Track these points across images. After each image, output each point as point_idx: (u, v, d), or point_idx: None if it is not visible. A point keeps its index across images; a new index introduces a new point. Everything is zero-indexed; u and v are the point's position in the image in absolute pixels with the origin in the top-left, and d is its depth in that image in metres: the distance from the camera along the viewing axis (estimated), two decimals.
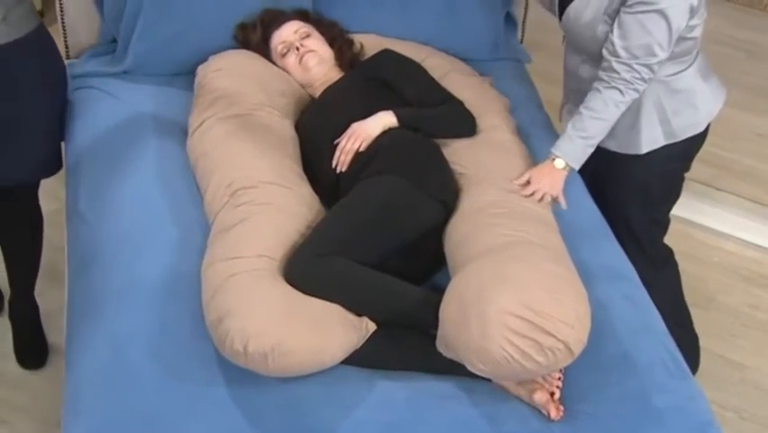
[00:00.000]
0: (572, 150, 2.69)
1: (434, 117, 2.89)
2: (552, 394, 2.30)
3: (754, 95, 4.52)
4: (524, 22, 3.72)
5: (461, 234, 2.55)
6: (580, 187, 2.91)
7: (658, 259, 3.06)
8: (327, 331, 2.29)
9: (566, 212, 2.75)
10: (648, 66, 2.62)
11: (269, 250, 2.45)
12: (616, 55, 2.62)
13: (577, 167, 2.72)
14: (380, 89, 2.95)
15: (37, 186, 3.07)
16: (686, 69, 2.78)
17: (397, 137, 2.78)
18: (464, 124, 2.91)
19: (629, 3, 2.59)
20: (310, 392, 2.27)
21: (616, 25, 2.63)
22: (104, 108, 3.05)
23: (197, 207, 2.71)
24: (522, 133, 2.99)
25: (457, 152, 2.84)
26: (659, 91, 2.76)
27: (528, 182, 2.68)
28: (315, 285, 2.37)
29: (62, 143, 3.05)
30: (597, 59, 2.74)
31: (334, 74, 3.07)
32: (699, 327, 3.25)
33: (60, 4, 3.27)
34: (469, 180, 2.73)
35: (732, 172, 4.17)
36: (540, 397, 2.29)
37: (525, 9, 3.70)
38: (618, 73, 2.63)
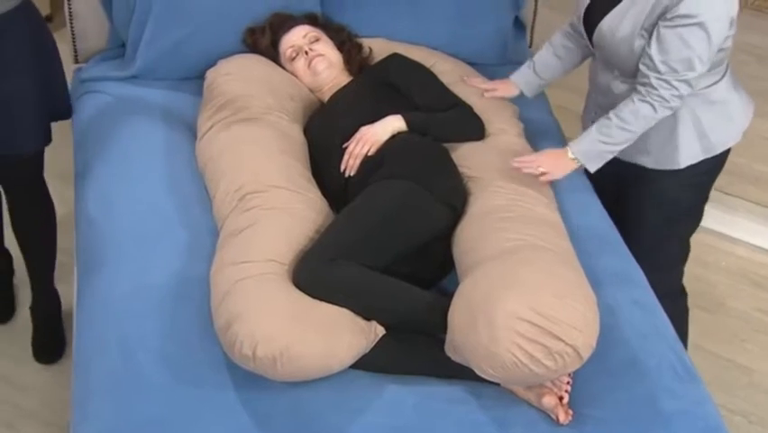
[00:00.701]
0: (590, 151, 2.66)
1: (443, 121, 2.88)
2: (560, 398, 2.29)
3: (764, 99, 4.49)
4: (532, 26, 3.72)
5: (470, 237, 2.55)
6: (588, 191, 2.91)
7: (669, 290, 2.93)
8: (336, 335, 2.29)
9: (575, 216, 2.74)
10: (687, 81, 2.55)
11: (278, 254, 2.45)
12: (656, 70, 2.56)
13: (591, 169, 2.69)
14: (389, 93, 2.95)
15: (41, 168, 3.04)
16: (719, 80, 2.72)
17: (406, 141, 2.78)
18: (473, 128, 2.91)
19: (669, 16, 2.52)
20: (318, 397, 2.27)
21: (654, 39, 2.55)
22: (112, 112, 3.05)
23: (206, 211, 2.71)
24: (530, 138, 2.99)
25: (465, 156, 2.84)
26: (695, 104, 2.70)
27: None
28: (324, 289, 2.37)
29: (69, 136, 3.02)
30: (631, 75, 2.68)
31: (343, 78, 3.07)
32: (707, 331, 3.24)
33: (69, 8, 3.27)
34: (477, 184, 2.73)
35: (742, 177, 4.15)
36: (549, 401, 2.28)
37: (534, 13, 3.69)
38: (657, 90, 2.56)
